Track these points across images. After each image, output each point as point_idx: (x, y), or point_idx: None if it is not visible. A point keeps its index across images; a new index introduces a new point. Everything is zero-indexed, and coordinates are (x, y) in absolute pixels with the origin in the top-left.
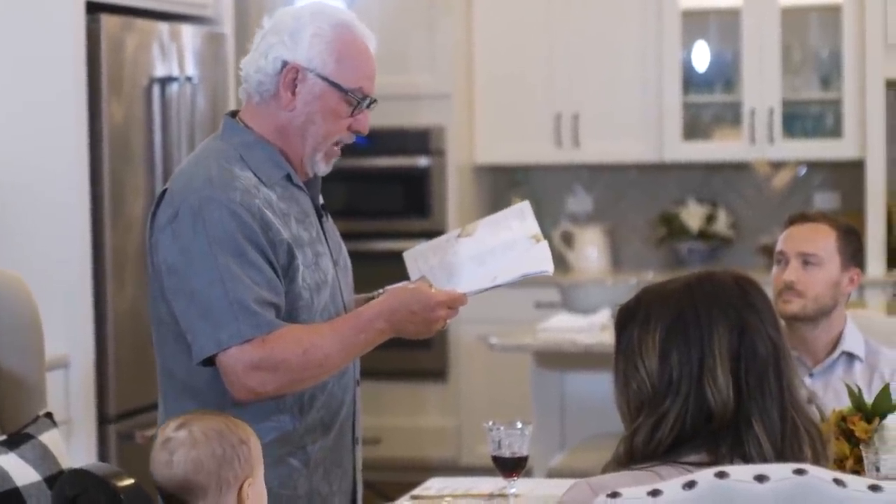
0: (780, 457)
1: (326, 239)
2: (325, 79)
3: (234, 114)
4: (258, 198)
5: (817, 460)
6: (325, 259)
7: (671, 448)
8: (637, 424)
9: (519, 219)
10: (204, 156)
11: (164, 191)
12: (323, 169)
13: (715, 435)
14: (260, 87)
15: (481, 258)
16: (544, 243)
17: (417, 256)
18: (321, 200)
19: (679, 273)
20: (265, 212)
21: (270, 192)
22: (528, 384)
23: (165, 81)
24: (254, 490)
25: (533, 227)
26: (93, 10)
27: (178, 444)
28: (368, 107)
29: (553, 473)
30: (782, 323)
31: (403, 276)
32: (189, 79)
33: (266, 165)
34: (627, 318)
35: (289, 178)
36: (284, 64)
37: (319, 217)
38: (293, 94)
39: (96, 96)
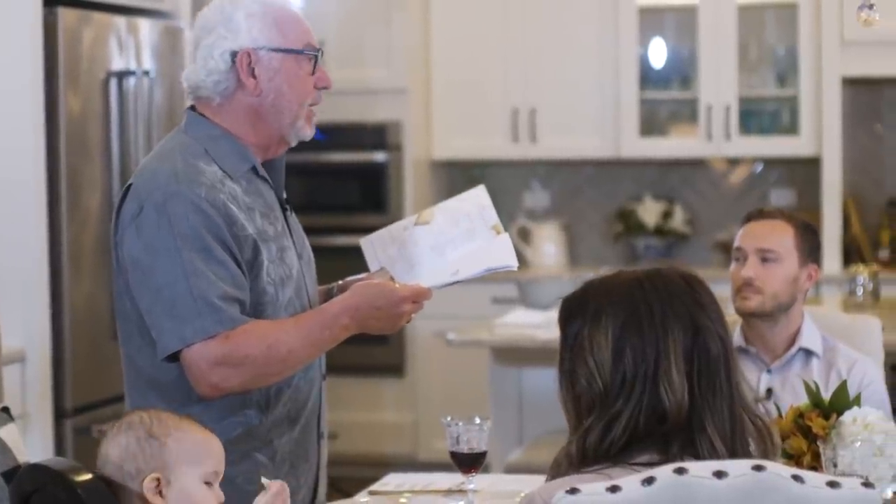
0: (732, 454)
1: (291, 233)
2: (276, 50)
3: (194, 108)
4: (223, 192)
5: (766, 455)
6: (289, 253)
7: (622, 449)
8: (588, 424)
9: (476, 205)
10: (169, 150)
11: (129, 185)
12: (308, 133)
13: (666, 435)
14: (218, 87)
15: (441, 248)
16: (505, 235)
17: (375, 243)
18: (284, 195)
19: None
20: (230, 206)
21: (236, 186)
22: (485, 380)
23: (123, 75)
24: (172, 489)
25: (492, 216)
26: (50, 3)
27: (106, 437)
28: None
29: (511, 469)
30: (728, 319)
31: (361, 269)
32: (146, 73)
33: (231, 158)
34: (574, 313)
35: (254, 170)
36: (234, 54)
37: (284, 211)
38: (255, 77)
39: (53, 89)
